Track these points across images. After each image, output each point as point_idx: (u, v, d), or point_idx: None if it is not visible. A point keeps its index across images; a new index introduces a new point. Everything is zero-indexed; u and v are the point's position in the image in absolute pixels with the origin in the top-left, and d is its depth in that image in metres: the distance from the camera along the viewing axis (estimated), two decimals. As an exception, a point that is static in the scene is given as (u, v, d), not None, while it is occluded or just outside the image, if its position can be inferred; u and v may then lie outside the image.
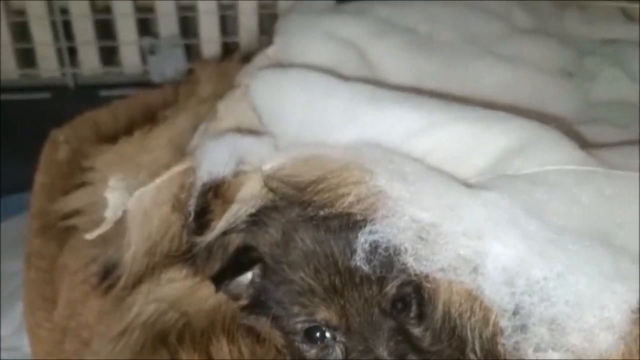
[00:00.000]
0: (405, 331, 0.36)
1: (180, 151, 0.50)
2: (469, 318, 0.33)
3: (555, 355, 0.29)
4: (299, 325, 0.37)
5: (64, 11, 0.81)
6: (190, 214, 0.37)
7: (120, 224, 0.49)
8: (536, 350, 0.29)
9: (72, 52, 0.83)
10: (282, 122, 0.45)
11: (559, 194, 0.34)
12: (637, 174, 0.35)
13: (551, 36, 0.63)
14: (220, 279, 0.37)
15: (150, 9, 0.82)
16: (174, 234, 0.40)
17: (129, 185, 0.48)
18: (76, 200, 0.50)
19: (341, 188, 0.34)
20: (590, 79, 0.60)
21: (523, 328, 0.30)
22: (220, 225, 0.37)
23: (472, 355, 0.33)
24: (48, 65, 0.82)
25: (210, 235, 0.37)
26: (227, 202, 0.37)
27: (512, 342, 0.30)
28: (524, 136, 0.39)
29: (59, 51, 0.81)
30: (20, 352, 0.68)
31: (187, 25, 0.84)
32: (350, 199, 0.34)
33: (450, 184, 0.35)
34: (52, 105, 0.84)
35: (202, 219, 0.37)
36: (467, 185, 0.35)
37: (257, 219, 0.38)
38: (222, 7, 0.82)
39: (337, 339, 0.36)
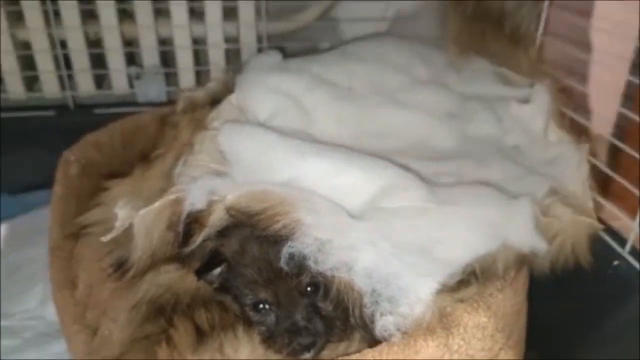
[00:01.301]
0: (315, 305, 0.56)
1: (169, 180, 0.69)
2: (349, 297, 0.54)
3: (391, 318, 0.50)
4: (249, 301, 0.57)
5: (64, 44, 0.96)
6: (179, 234, 0.57)
7: (127, 232, 0.68)
8: (382, 315, 0.50)
9: (71, 77, 0.98)
10: (239, 164, 0.64)
11: (406, 222, 0.54)
12: (456, 208, 0.56)
13: (442, 86, 0.83)
14: (200, 272, 0.57)
15: (136, 43, 0.98)
16: (169, 244, 0.59)
17: (134, 206, 0.67)
18: (94, 215, 0.69)
19: (276, 217, 0.54)
20: (469, 120, 0.75)
21: (375, 302, 0.51)
22: (198, 240, 0.57)
23: (352, 319, 0.54)
24: (51, 89, 0.97)
25: (192, 247, 0.57)
26: (203, 225, 0.57)
27: (370, 311, 0.51)
28: (392, 180, 0.59)
29: (60, 77, 0.97)
30: (43, 320, 0.83)
31: (167, 57, 1.01)
32: (281, 225, 0.53)
33: (340, 214, 0.55)
34: (56, 121, 0.99)
35: (187, 236, 0.57)
36: (351, 215, 0.56)
37: (223, 234, 0.58)
38: (195, 42, 0.99)
39: (272, 309, 0.57)
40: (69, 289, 0.73)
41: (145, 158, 0.72)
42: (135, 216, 0.63)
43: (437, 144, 0.74)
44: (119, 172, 0.81)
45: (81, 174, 0.82)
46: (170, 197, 0.60)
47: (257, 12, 0.97)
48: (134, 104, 1.01)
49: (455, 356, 0.52)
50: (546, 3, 0.78)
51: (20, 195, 1.00)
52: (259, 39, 0.99)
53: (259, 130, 0.65)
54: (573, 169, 0.68)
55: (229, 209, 0.57)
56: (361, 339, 0.56)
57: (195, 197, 0.57)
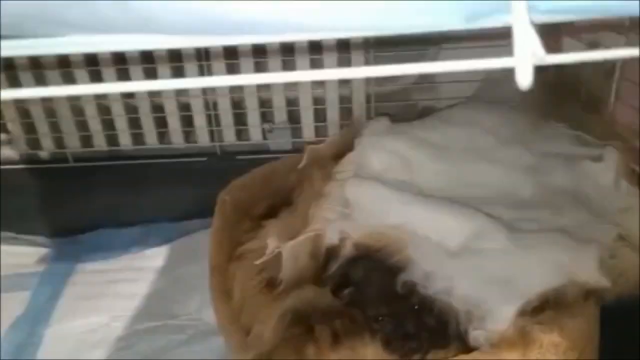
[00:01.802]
0: (422, 320, 0.73)
1: (306, 219, 0.90)
2: (448, 315, 0.71)
3: (481, 332, 0.66)
4: (372, 314, 0.75)
5: (215, 106, 1.21)
6: (320, 262, 0.77)
7: (276, 258, 0.88)
8: (474, 329, 0.66)
9: (219, 132, 1.23)
10: (361, 209, 0.83)
11: (492, 260, 0.71)
12: (533, 251, 0.71)
13: (524, 144, 0.98)
14: (335, 291, 0.77)
15: (269, 104, 1.21)
16: (311, 269, 0.79)
17: (281, 239, 0.87)
18: (251, 245, 0.91)
19: (393, 253, 0.73)
20: (547, 173, 0.88)
21: (469, 320, 0.67)
22: (334, 267, 0.76)
23: (450, 331, 0.71)
24: (204, 140, 1.23)
25: (329, 272, 0.76)
26: (337, 256, 0.77)
27: (464, 326, 0.68)
28: (482, 226, 0.76)
29: (211, 132, 1.22)
30: (202, 321, 1.00)
31: (292, 115, 1.23)
32: (395, 259, 0.72)
33: (440, 252, 0.73)
34: (207, 164, 1.23)
35: (325, 263, 0.77)
36: (449, 252, 0.73)
37: (351, 263, 0.78)
38: (315, 102, 1.21)
39: (389, 321, 0.74)
40: (226, 298, 0.95)
41: (287, 202, 0.93)
42: (284, 246, 0.84)
43: (518, 193, 0.89)
44: (260, 207, 1.04)
45: (232, 210, 1.04)
46: (311, 233, 0.80)
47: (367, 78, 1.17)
48: (267, 151, 1.23)
49: (532, 366, 0.68)
50: (617, 74, 0.91)
51: (178, 223, 1.23)
52: (368, 99, 1.19)
53: (377, 184, 0.84)
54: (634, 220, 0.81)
55: (355, 245, 0.76)
56: (456, 348, 0.72)
57: (331, 234, 0.77)
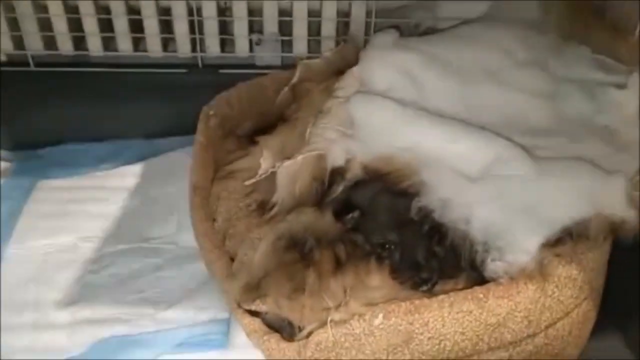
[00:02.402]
0: (431, 248, 0.67)
1: (304, 138, 0.81)
2: (462, 244, 0.65)
3: (500, 264, 0.61)
4: (378, 240, 0.69)
5: (199, 12, 1.08)
6: (325, 184, 0.69)
7: (269, 179, 0.80)
8: (491, 260, 0.61)
9: (202, 41, 1.10)
10: (367, 129, 0.75)
11: (514, 187, 0.64)
12: (557, 179, 0.65)
13: (540, 68, 0.90)
14: (338, 215, 0.70)
15: (259, 13, 1.09)
16: (312, 192, 0.71)
17: (275, 159, 0.79)
18: (241, 163, 0.82)
19: (404, 177, 0.65)
20: (563, 99, 0.82)
21: (486, 251, 0.61)
22: (338, 190, 0.69)
23: (462, 262, 0.65)
24: (184, 50, 1.10)
25: (333, 195, 0.69)
26: (343, 178, 0.69)
27: (481, 257, 0.62)
28: (504, 151, 0.69)
29: (193, 40, 1.09)
30: (178, 246, 0.92)
31: (283, 26, 1.11)
32: (408, 184, 0.65)
33: (460, 177, 0.66)
34: (187, 77, 1.11)
35: (330, 186, 0.69)
36: (469, 179, 0.66)
37: (357, 186, 0.70)
38: (310, 14, 1.09)
39: (397, 249, 0.68)
40: (209, 221, 0.86)
41: (280, 119, 0.84)
42: (279, 166, 0.75)
43: (533, 119, 0.82)
44: (246, 127, 0.95)
45: (217, 126, 0.94)
46: (312, 153, 0.72)
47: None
48: (253, 66, 1.11)
49: (549, 300, 0.63)
50: (646, -4, 0.84)
51: (154, 140, 1.11)
52: (368, 14, 1.08)
53: (386, 101, 0.75)
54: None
55: (363, 167, 0.68)
56: (467, 278, 0.67)
57: (336, 155, 0.69)
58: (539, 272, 0.62)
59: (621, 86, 0.81)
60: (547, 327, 0.65)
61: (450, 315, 0.60)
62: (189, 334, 0.80)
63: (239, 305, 0.72)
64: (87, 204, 1.01)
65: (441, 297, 0.61)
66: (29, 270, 0.90)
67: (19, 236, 0.95)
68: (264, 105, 0.99)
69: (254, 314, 0.70)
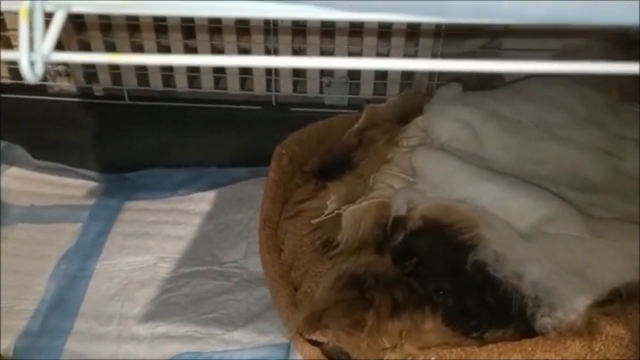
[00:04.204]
0: (483, 298, 0.72)
1: (368, 184, 0.87)
2: (514, 297, 0.69)
3: (549, 320, 0.64)
4: (431, 287, 0.73)
5: (275, 53, 1.16)
6: (387, 230, 0.75)
7: (334, 220, 0.86)
8: (541, 316, 0.64)
9: (277, 81, 1.19)
10: (427, 179, 0.80)
11: (565, 247, 0.68)
12: (607, 241, 0.68)
13: (599, 124, 0.92)
14: (397, 260, 0.75)
15: (331, 55, 1.16)
16: (374, 236, 0.77)
17: (341, 203, 0.85)
18: (311, 204, 0.89)
19: (462, 230, 0.70)
20: (621, 157, 0.85)
21: (537, 306, 0.65)
22: (399, 237, 0.74)
23: (513, 313, 0.69)
24: (260, 88, 1.19)
25: (394, 242, 0.74)
26: (404, 227, 0.74)
27: (531, 312, 0.65)
28: (554, 209, 0.72)
29: (268, 80, 1.18)
30: (246, 270, 0.98)
31: (353, 70, 1.18)
32: (466, 237, 0.69)
33: (513, 233, 0.70)
34: (261, 113, 1.19)
35: (392, 233, 0.75)
36: (522, 235, 0.70)
37: (416, 235, 0.75)
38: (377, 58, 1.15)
39: (450, 296, 0.73)
40: (276, 252, 0.94)
41: (346, 162, 0.90)
42: (345, 209, 0.82)
43: (588, 175, 0.85)
44: (312, 163, 1.02)
45: (288, 164, 1.02)
46: (376, 200, 0.78)
47: (436, 35, 1.11)
48: (322, 105, 1.18)
49: (595, 356, 0.66)
50: None
51: (227, 169, 1.19)
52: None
53: (446, 155, 0.80)
54: None
55: (424, 217, 0.73)
56: (515, 329, 0.70)
57: (399, 204, 0.75)
58: (586, 330, 0.65)
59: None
60: (593, 383, 0.67)
61: (498, 365, 0.64)
62: (252, 356, 0.87)
63: (301, 334, 0.78)
64: (165, 226, 1.11)
65: (490, 346, 0.65)
66: (115, 286, 1.00)
67: (108, 253, 1.05)
68: (330, 145, 1.06)
69: (314, 343, 0.77)
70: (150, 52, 1.17)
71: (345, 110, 1.16)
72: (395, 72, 1.15)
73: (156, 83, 1.19)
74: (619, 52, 0.93)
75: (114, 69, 1.17)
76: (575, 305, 0.64)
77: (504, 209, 0.72)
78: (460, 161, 0.78)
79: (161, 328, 0.91)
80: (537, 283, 0.65)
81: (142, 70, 1.18)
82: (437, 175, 0.78)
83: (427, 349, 0.66)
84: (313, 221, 0.86)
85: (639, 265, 0.66)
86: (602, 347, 0.66)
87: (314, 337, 0.76)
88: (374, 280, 0.76)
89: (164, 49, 1.17)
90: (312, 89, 1.18)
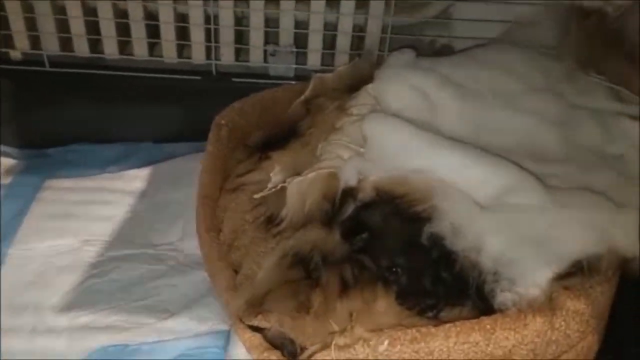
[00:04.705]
0: (438, 274, 0.66)
1: (315, 155, 0.79)
2: (471, 273, 0.63)
3: (509, 295, 0.59)
4: (384, 264, 0.67)
5: (215, 20, 1.07)
6: (336, 203, 0.67)
7: (278, 194, 0.79)
8: (501, 291, 0.59)
9: (217, 49, 1.09)
10: (382, 150, 0.73)
11: (528, 219, 0.63)
12: (570, 211, 0.64)
13: (554, 94, 0.88)
14: (347, 237, 0.68)
15: (275, 24, 1.08)
16: (321, 210, 0.70)
17: (286, 174, 0.77)
18: (252, 176, 0.80)
19: (417, 201, 0.64)
20: (575, 128, 0.79)
21: (496, 281, 0.60)
22: (349, 210, 0.67)
23: (471, 290, 0.63)
24: (199, 57, 1.09)
25: (344, 216, 0.67)
26: (354, 199, 0.67)
27: (490, 287, 0.60)
28: (515, 179, 0.67)
29: (208, 48, 1.08)
30: (182, 253, 0.90)
31: (299, 38, 1.10)
32: (420, 209, 0.63)
33: (472, 204, 0.64)
34: (200, 84, 1.09)
35: (340, 206, 0.67)
36: (481, 206, 0.64)
37: (368, 208, 0.68)
38: (326, 27, 1.07)
39: (404, 273, 0.66)
40: (215, 232, 0.85)
41: (292, 134, 0.82)
42: (290, 182, 0.74)
43: (545, 146, 0.80)
44: (256, 137, 0.93)
45: (228, 136, 0.93)
46: (324, 170, 0.70)
47: (386, 5, 1.04)
48: (266, 76, 1.10)
49: (556, 333, 0.61)
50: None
51: (163, 145, 1.10)
52: (383, 30, 1.06)
53: (400, 122, 0.73)
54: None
55: (376, 189, 0.66)
56: (472, 307, 0.65)
57: (348, 174, 0.67)
58: (547, 305, 0.61)
59: (635, 118, 0.80)
60: (553, 362, 0.63)
61: (456, 345, 0.59)
62: (188, 346, 0.78)
63: (241, 320, 0.70)
64: (92, 207, 0.99)
65: (448, 326, 0.59)
66: (30, 272, 0.88)
67: (24, 236, 0.93)
68: (275, 117, 0.97)
69: (255, 329, 0.69)
70: (76, 16, 1.05)
71: (291, 82, 1.08)
72: (344, 41, 1.08)
73: (81, 48, 1.06)
74: (573, 21, 0.90)
75: (33, 30, 1.04)
76: (537, 279, 0.59)
77: (462, 178, 0.66)
78: (415, 128, 0.72)
79: (83, 318, 0.81)
80: (497, 256, 0.60)
81: (64, 34, 1.05)
82: (390, 144, 0.72)
83: (379, 331, 0.59)
84: (255, 196, 0.78)
85: (602, 236, 0.62)
86: (563, 323, 0.61)
87: (255, 322, 0.68)
88: (321, 258, 0.69)
89: (91, 12, 1.05)
90: (255, 58, 1.09)
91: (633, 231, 0.63)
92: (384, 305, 0.62)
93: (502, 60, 0.86)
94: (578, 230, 0.62)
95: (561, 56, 0.87)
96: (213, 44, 1.06)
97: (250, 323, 0.69)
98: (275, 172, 0.76)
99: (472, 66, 0.85)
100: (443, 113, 0.81)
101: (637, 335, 0.76)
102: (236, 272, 0.79)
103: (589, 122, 0.83)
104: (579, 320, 0.62)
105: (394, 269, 0.66)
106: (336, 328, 0.62)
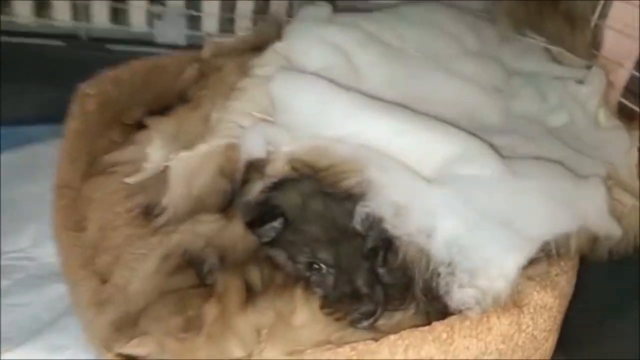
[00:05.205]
0: (374, 270, 0.50)
1: (209, 124, 0.61)
2: (417, 265, 0.48)
3: (470, 291, 0.44)
4: (304, 259, 0.50)
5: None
6: (236, 182, 0.49)
7: (160, 176, 0.59)
8: (459, 287, 0.45)
9: (86, 9, 0.88)
10: (294, 115, 0.56)
11: (485, 193, 0.49)
12: (532, 182, 0.51)
13: (490, 59, 0.78)
14: (253, 225, 0.50)
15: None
16: (220, 193, 0.52)
17: (170, 149, 0.58)
18: (122, 154, 0.60)
19: (344, 175, 0.47)
20: (513, 95, 0.71)
21: (452, 274, 0.45)
22: (256, 190, 0.49)
23: (417, 286, 0.48)
24: (63, 17, 0.87)
25: (249, 197, 0.50)
26: (262, 175, 0.50)
27: (445, 282, 0.46)
28: (464, 146, 0.53)
29: (74, 7, 0.86)
30: (35, 262, 0.74)
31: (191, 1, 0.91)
32: (351, 183, 0.47)
33: (416, 178, 0.49)
34: (65, 52, 0.89)
35: (244, 185, 0.50)
36: (428, 180, 0.49)
37: (280, 186, 0.51)
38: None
39: (330, 272, 0.50)
40: (76, 231, 0.65)
41: (184, 99, 0.63)
42: (174, 159, 0.55)
43: (484, 116, 0.69)
44: (137, 113, 0.73)
45: (98, 110, 0.72)
46: (220, 142, 0.52)
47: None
48: (151, 44, 0.91)
49: (522, 336, 0.47)
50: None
51: (20, 128, 0.90)
52: (292, -6, 0.91)
53: (317, 80, 0.57)
54: (621, 154, 0.64)
55: (290, 161, 0.49)
56: (417, 311, 0.50)
57: (252, 144, 0.50)
58: (512, 301, 0.47)
59: (579, 81, 0.70)
60: (515, 371, 0.50)
61: (405, 364, 0.43)
62: (36, 387, 0.57)
63: (108, 347, 0.51)
64: None
65: (392, 338, 0.43)
66: None
67: None
68: (162, 90, 0.78)
69: (127, 357, 0.51)
70: None
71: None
72: (245, 4, 0.91)
73: None
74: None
75: None
76: (504, 269, 0.44)
77: (400, 147, 0.51)
78: (337, 87, 0.56)
79: None
80: (452, 241, 0.45)
81: None
82: (305, 107, 0.55)
83: (299, 352, 0.42)
84: (127, 180, 0.58)
85: (571, 211, 0.49)
86: (530, 322, 0.48)
87: (127, 349, 0.49)
88: (218, 257, 0.52)
89: None
90: (137, 22, 0.89)
91: (601, 204, 0.51)
92: (305, 316, 0.45)
93: (432, 20, 0.74)
94: (544, 206, 0.49)
95: (495, 18, 0.76)
96: (79, 0, 0.85)
97: (121, 351, 0.50)
98: (153, 147, 0.57)
99: (399, 24, 0.72)
100: (367, 76, 0.66)
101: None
102: (105, 281, 0.59)
103: (526, 90, 0.73)
104: (547, 317, 0.49)
105: (316, 267, 0.49)
106: (239, 352, 0.43)
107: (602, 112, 0.68)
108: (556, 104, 0.70)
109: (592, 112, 0.68)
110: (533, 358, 0.51)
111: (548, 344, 0.53)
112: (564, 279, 0.52)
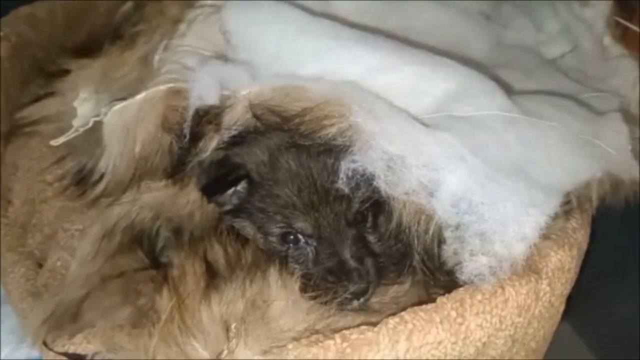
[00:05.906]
0: (363, 238, 0.41)
1: (148, 67, 0.49)
2: (416, 228, 0.39)
3: (484, 259, 0.36)
4: (277, 230, 0.41)
5: None
6: (185, 136, 0.38)
7: (92, 134, 0.48)
8: (470, 255, 0.36)
9: None
10: (256, 50, 0.45)
11: (493, 137, 0.40)
12: (546, 122, 0.43)
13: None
14: (211, 191, 0.40)
15: None
16: (164, 151, 0.40)
17: (101, 98, 0.46)
18: (44, 108, 0.48)
19: (324, 121, 0.37)
20: (504, 24, 0.62)
21: (461, 239, 0.37)
22: (211, 146, 0.39)
23: (416, 255, 0.40)
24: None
25: (201, 155, 0.39)
26: (217, 126, 0.39)
27: (452, 249, 0.37)
28: (463, 82, 0.44)
29: None
30: None
31: None
32: (333, 131, 0.37)
33: (411, 122, 0.39)
34: None
35: (194, 140, 0.39)
36: (424, 124, 0.40)
37: (242, 140, 0.41)
38: None
39: (309, 243, 0.41)
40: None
41: (117, 37, 0.50)
42: (107, 112, 0.43)
43: (471, 47, 0.59)
44: (64, 59, 0.59)
45: (12, 55, 0.58)
46: (162, 87, 0.40)
47: None
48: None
49: (539, 304, 0.40)
50: None
51: None
52: None
53: (285, 7, 0.45)
54: (629, 86, 0.56)
55: (253, 108, 0.38)
56: (414, 283, 0.41)
57: (204, 88, 0.38)
58: (528, 266, 0.39)
59: (583, 4, 0.60)
60: (530, 342, 0.42)
61: (409, 353, 0.34)
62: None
63: (48, 345, 0.41)
64: None
65: (392, 322, 0.35)
66: None
67: None
68: (93, 31, 0.64)
69: (71, 357, 0.43)
70: None
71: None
72: None
73: None
74: None
75: None
76: (524, 229, 0.36)
77: (386, 85, 0.41)
78: (306, 14, 0.45)
79: None
80: (460, 198, 0.36)
81: None
82: (269, 41, 0.44)
83: (279, 349, 0.33)
84: (53, 142, 0.46)
85: (592, 155, 0.41)
86: (548, 289, 0.40)
87: (70, 347, 0.40)
88: (172, 231, 0.41)
89: None
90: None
91: (625, 144, 0.43)
92: (283, 303, 0.35)
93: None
94: (563, 150, 0.40)
95: None
96: None
97: (62, 350, 0.40)
98: (80, 99, 0.44)
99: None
100: (338, 3, 0.54)
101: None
102: (40, 266, 0.48)
103: (519, 19, 0.64)
104: (564, 280, 0.42)
105: (292, 238, 0.39)
106: (201, 349, 0.34)
107: (608, 37, 0.60)
108: (554, 32, 0.61)
109: (598, 35, 0.59)
110: (546, 328, 0.44)
111: (561, 309, 0.46)
112: (581, 234, 0.44)
